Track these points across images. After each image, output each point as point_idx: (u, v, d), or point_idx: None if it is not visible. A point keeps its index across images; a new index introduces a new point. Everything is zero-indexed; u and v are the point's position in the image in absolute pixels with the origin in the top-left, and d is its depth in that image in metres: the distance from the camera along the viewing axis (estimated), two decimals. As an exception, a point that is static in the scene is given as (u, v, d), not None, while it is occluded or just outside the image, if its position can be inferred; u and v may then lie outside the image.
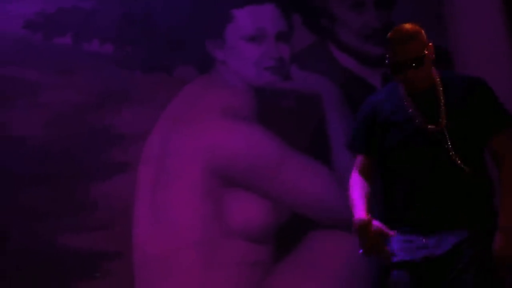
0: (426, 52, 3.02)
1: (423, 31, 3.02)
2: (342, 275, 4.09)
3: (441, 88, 3.04)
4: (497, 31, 3.93)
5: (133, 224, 4.04)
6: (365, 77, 4.35)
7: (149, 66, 4.22)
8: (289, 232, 4.13)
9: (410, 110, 3.04)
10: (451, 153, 2.99)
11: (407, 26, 3.04)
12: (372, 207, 3.23)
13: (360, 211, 3.02)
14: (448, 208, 2.96)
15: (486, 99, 3.03)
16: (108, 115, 4.11)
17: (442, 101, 3.02)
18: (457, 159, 3.00)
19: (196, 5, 4.31)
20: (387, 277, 3.20)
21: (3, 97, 4.02)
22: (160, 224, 4.05)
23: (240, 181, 4.13)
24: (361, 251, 2.97)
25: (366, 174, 3.16)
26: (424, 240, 2.97)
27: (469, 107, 3.00)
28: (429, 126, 3.03)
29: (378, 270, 3.46)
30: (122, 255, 3.95)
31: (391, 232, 2.94)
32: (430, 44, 3.05)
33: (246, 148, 4.18)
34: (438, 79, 3.06)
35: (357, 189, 3.13)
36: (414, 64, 2.96)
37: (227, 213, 4.07)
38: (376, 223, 2.99)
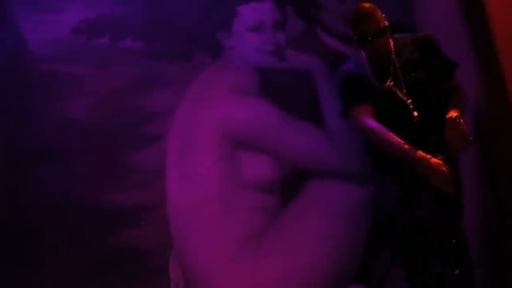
0: (386, 23, 3.41)
1: (378, 8, 3.43)
2: (335, 213, 4.41)
3: (393, 54, 3.44)
4: (453, 13, 4.17)
5: (166, 182, 4.41)
6: (346, 53, 4.50)
7: (172, 56, 4.55)
8: (292, 182, 4.47)
9: (371, 74, 3.45)
10: (405, 103, 3.34)
11: (366, 4, 3.46)
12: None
13: (415, 150, 3.27)
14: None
15: (433, 52, 3.45)
16: (142, 98, 4.48)
17: (396, 64, 3.42)
18: (410, 107, 3.34)
19: (208, 4, 4.67)
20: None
21: (58, 89, 4.42)
22: (187, 181, 4.42)
23: (250, 144, 4.47)
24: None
25: (374, 117, 3.45)
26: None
27: (420, 60, 3.40)
28: (385, 85, 3.40)
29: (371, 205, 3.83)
30: (159, 208, 4.35)
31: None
32: (384, 15, 3.42)
33: (253, 117, 4.52)
34: (392, 46, 3.45)
35: (388, 132, 3.35)
36: (380, 34, 3.36)
37: (240, 169, 4.43)
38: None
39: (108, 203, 4.35)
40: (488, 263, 3.98)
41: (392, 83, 3.43)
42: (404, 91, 3.39)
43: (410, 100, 3.38)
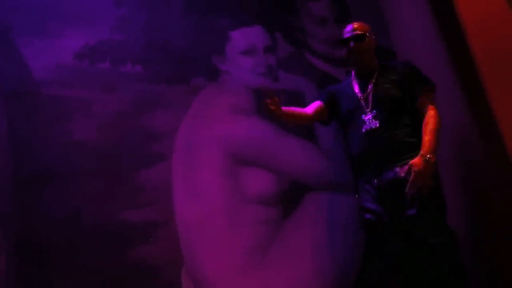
0: (368, 35, 3.68)
1: (369, 28, 3.72)
2: (334, 223, 4.59)
3: (377, 72, 3.73)
4: (427, 31, 4.32)
5: (173, 199, 4.49)
6: (332, 74, 4.83)
7: (171, 79, 4.72)
8: (291, 195, 4.64)
9: (355, 88, 3.75)
10: (372, 116, 3.60)
11: (356, 23, 3.81)
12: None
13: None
14: (381, 156, 3.57)
15: (411, 73, 3.70)
16: (145, 119, 4.60)
17: (373, 80, 3.70)
18: (378, 120, 3.58)
19: (203, 30, 4.88)
20: (362, 217, 3.75)
21: (64, 112, 4.50)
22: (193, 197, 4.51)
23: (250, 160, 4.63)
24: None
25: (313, 111, 3.87)
26: (376, 181, 3.58)
27: (398, 82, 3.65)
28: (359, 96, 3.70)
29: (357, 215, 3.91)
30: (167, 224, 4.42)
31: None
32: (374, 36, 3.70)
33: (251, 135, 4.69)
34: (377, 66, 3.77)
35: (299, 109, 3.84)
36: (357, 38, 3.65)
37: (242, 185, 4.57)
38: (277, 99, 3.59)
39: (117, 221, 4.40)
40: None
41: (364, 94, 3.71)
42: (371, 104, 3.66)
43: (372, 111, 3.64)
